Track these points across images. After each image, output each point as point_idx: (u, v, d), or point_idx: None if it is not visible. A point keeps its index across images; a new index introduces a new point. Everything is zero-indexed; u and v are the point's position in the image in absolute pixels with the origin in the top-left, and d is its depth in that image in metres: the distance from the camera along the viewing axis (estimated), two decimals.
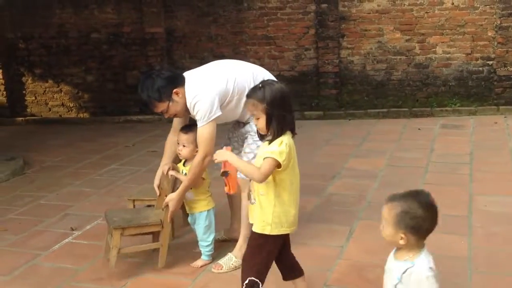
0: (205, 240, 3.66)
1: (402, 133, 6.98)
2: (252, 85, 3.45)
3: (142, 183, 5.10)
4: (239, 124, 3.70)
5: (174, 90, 3.41)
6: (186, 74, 3.53)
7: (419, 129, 7.11)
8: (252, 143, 3.54)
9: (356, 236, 4.03)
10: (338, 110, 8.20)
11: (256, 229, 2.82)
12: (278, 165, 2.68)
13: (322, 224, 4.26)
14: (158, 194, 3.68)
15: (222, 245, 3.90)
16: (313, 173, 5.55)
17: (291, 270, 2.99)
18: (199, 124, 3.39)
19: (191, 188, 3.56)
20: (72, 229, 4.45)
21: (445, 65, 8.02)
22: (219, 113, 3.37)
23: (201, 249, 3.70)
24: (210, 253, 3.71)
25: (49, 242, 4.23)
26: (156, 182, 3.71)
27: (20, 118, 9.29)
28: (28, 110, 9.54)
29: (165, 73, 3.47)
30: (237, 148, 3.68)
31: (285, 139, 2.73)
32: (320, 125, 7.68)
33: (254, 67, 3.69)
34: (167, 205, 3.52)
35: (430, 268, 2.07)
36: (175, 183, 3.66)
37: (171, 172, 3.61)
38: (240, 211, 3.72)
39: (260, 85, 2.79)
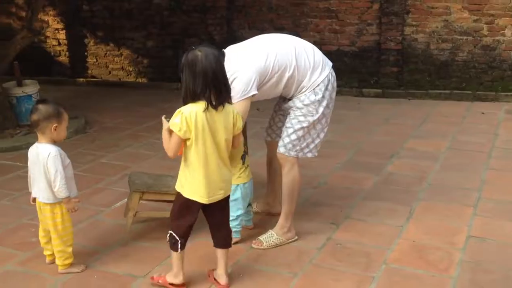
0: (230, 215, 3.42)
1: (464, 116, 6.76)
2: (293, 62, 3.39)
3: None
4: (284, 99, 3.63)
5: None
6: (228, 49, 3.42)
7: (482, 113, 6.87)
8: (294, 118, 3.47)
9: (416, 217, 3.95)
10: (397, 89, 7.98)
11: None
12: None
13: (381, 202, 4.21)
14: None
15: (264, 221, 3.83)
16: (371, 150, 5.48)
17: (217, 239, 3.04)
18: (232, 100, 3.16)
19: None
20: None
21: None
22: (253, 92, 3.27)
23: None
24: (237, 229, 3.49)
25: (110, 200, 4.36)
26: None
27: (81, 79, 9.49)
28: (89, 71, 9.74)
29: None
30: (282, 121, 3.63)
31: (186, 110, 2.68)
32: (378, 103, 7.52)
33: (297, 42, 3.52)
34: None
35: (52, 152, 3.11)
36: None
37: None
38: (279, 187, 3.65)
39: (190, 48, 2.76)
